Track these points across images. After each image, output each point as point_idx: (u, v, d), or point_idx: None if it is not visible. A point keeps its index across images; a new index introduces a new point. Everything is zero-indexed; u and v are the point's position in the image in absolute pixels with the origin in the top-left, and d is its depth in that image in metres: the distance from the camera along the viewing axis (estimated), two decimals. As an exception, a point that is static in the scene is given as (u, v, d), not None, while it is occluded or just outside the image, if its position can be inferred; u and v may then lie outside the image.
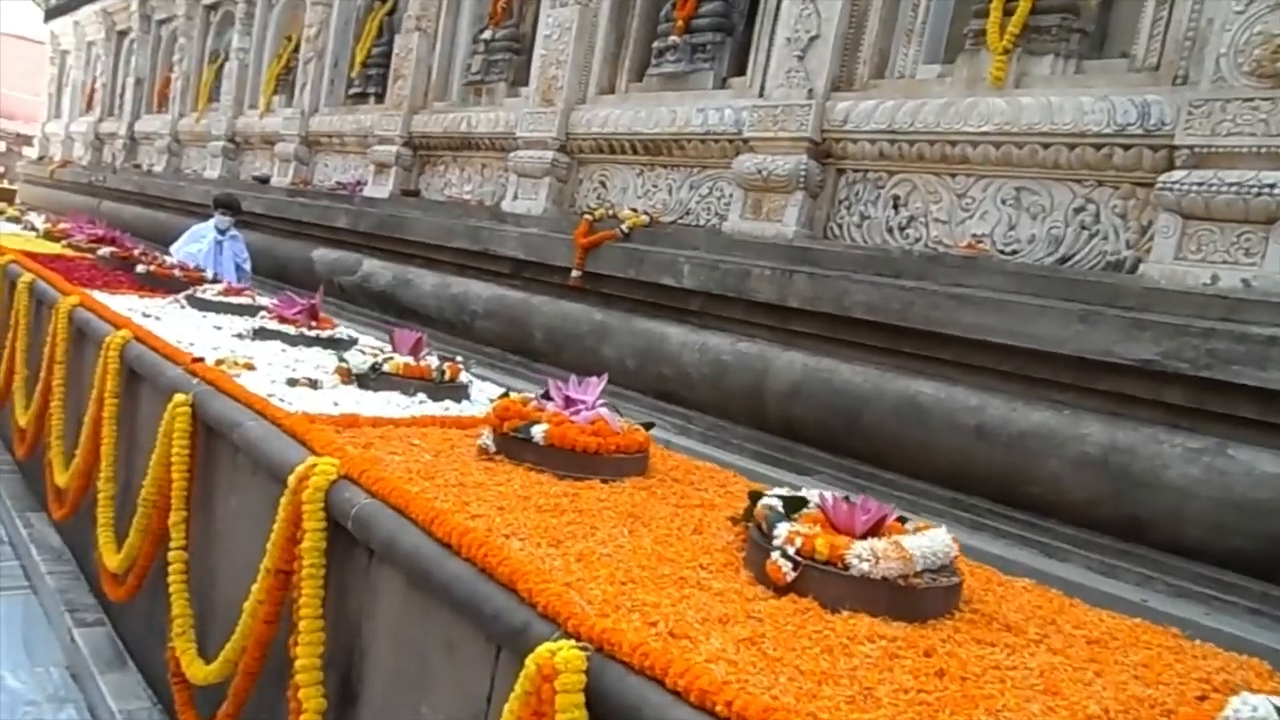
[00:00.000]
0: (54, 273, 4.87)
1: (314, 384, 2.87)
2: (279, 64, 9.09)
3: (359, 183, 7.45)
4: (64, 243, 6.45)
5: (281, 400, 2.64)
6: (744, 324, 4.24)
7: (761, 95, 4.53)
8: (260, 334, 3.72)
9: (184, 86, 10.95)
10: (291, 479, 2.09)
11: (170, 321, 3.92)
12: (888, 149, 4.00)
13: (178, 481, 2.68)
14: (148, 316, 3.92)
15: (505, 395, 2.62)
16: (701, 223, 4.87)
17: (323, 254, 7.26)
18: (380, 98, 7.65)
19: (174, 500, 2.69)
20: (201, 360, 2.96)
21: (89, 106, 13.96)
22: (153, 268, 5.02)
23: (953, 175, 3.84)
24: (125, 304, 4.24)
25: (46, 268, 5.08)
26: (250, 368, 2.98)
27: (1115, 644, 1.70)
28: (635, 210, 5.04)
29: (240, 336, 3.72)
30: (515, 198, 5.79)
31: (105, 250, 5.69)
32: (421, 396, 2.98)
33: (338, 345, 3.72)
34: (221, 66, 10.11)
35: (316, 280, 7.30)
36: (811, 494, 1.92)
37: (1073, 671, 1.52)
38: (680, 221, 4.96)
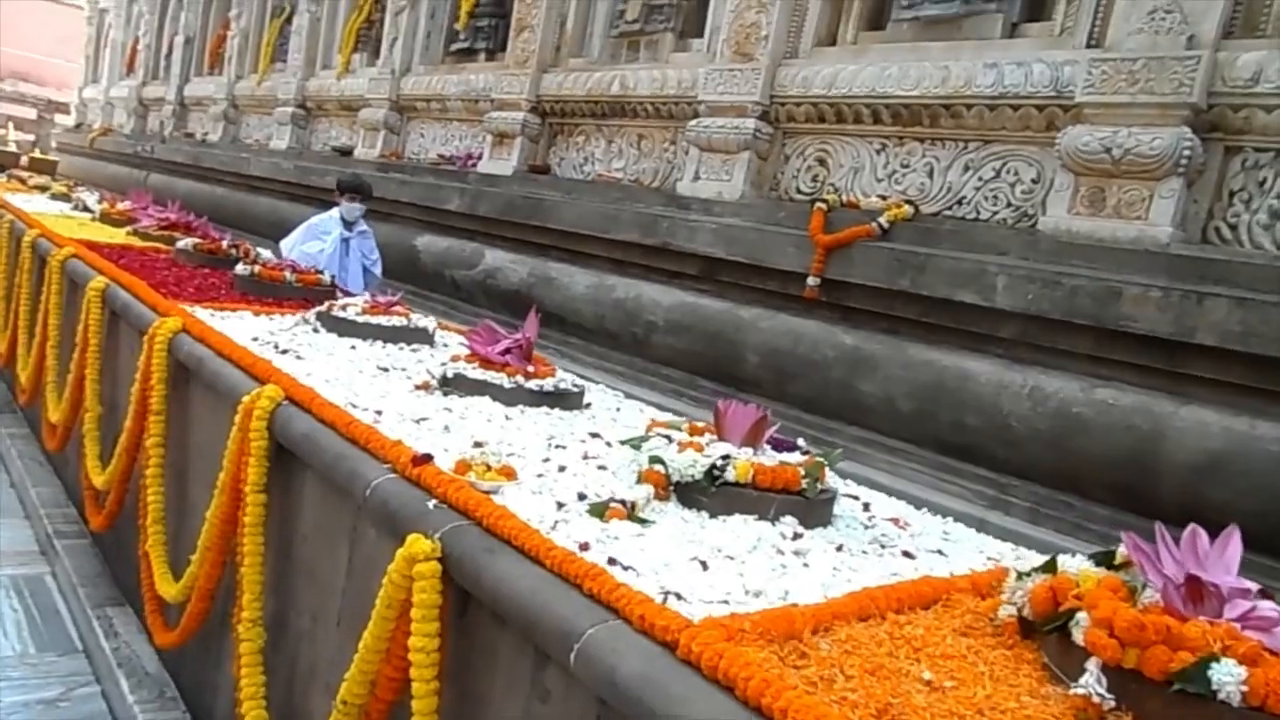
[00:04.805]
0: (130, 275, 3.72)
1: (631, 511, 1.70)
2: (359, 16, 7.86)
3: (471, 156, 6.25)
4: (129, 229, 5.29)
5: (615, 563, 1.47)
6: (1093, 361, 3.05)
7: (1095, 44, 3.31)
8: (454, 384, 2.55)
9: (242, 45, 9.76)
10: None
11: (313, 359, 2.76)
12: (1330, 119, 2.78)
13: (424, 699, 1.53)
14: (283, 353, 2.76)
15: (1051, 568, 1.44)
16: (983, 216, 3.65)
17: (429, 242, 6.09)
18: (492, 54, 6.45)
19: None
20: (429, 461, 1.80)
21: (130, 69, 12.80)
22: (256, 268, 3.85)
23: None
24: (241, 326, 3.09)
25: (118, 267, 3.93)
26: (510, 475, 1.81)
27: None
28: (885, 198, 3.83)
29: (425, 389, 2.55)
30: (697, 178, 4.59)
31: (185, 241, 4.54)
32: (791, 522, 1.81)
33: (569, 402, 2.55)
34: (288, 20, 8.91)
35: (421, 273, 6.14)
36: None
37: None
38: (948, 214, 3.75)
